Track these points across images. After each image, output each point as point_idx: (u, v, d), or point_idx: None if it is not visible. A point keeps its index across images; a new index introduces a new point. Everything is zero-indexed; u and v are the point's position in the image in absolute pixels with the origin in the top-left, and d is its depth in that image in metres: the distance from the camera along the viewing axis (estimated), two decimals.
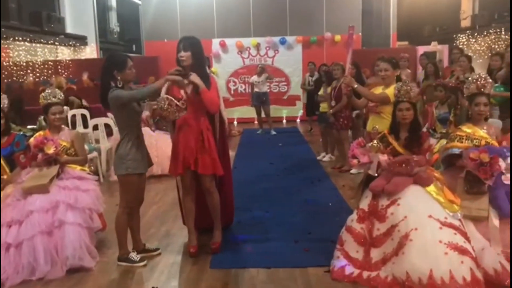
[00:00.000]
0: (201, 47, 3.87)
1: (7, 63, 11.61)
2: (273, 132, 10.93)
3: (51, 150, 3.95)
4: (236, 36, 13.31)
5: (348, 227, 3.67)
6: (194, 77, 3.70)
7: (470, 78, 3.87)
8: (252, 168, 7.46)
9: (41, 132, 4.28)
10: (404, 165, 3.55)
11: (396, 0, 13.96)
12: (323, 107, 7.60)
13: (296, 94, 13.35)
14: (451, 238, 3.24)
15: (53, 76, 12.12)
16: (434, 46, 12.64)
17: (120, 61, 3.69)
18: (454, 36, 14.33)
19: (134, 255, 3.88)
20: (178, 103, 3.60)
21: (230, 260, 3.89)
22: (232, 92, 13.55)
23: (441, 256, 3.16)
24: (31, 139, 4.17)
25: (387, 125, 3.97)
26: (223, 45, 13.33)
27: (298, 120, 13.47)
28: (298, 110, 13.48)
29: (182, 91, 3.79)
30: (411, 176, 3.54)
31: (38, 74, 12.01)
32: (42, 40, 10.68)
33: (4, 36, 9.12)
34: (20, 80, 11.96)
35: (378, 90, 4.72)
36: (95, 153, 6.74)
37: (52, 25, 10.90)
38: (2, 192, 3.97)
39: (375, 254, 3.47)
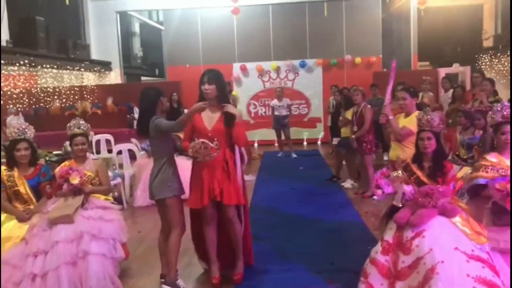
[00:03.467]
0: (224, 79, 4.01)
1: (35, 90, 11.95)
2: (294, 155, 10.92)
3: (76, 181, 4.02)
4: (256, 60, 13.45)
5: (372, 259, 3.61)
6: (231, 108, 3.82)
7: (494, 107, 3.82)
8: (273, 193, 7.43)
9: (66, 162, 4.36)
10: (428, 196, 3.49)
11: (416, 21, 13.92)
12: (344, 132, 7.58)
13: (317, 116, 13.38)
14: (479, 271, 3.16)
15: (79, 101, 12.43)
16: (456, 68, 12.54)
17: (160, 91, 3.98)
18: (476, 56, 14.19)
19: (181, 283, 3.94)
20: (212, 145, 3.68)
21: None
22: (252, 115, 13.63)
23: None
24: (57, 170, 4.25)
25: (410, 154, 3.94)
26: (243, 69, 13.47)
27: (319, 143, 13.43)
28: (319, 132, 13.47)
29: (205, 123, 3.85)
30: (435, 207, 3.48)
31: (64, 100, 12.32)
32: (68, 67, 11.00)
33: (33, 64, 9.40)
34: (47, 106, 12.28)
35: (400, 119, 4.71)
36: (119, 179, 6.83)
37: (78, 52, 11.21)
38: (28, 222, 4.04)
39: (400, 287, 3.40)
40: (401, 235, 3.53)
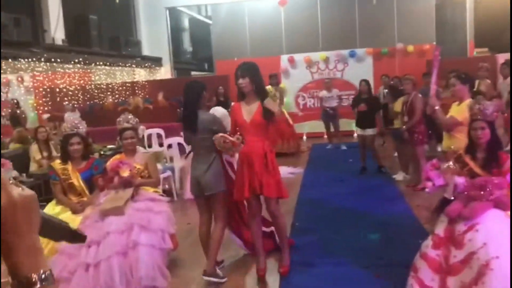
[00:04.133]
0: (259, 71, 3.92)
1: (90, 87, 12.44)
2: (344, 147, 10.74)
3: (126, 173, 4.14)
4: (304, 51, 13.31)
5: (423, 253, 3.49)
6: (270, 104, 3.78)
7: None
8: (321, 186, 7.35)
9: (117, 156, 4.50)
10: (481, 188, 3.33)
11: (472, 6, 13.29)
12: (396, 123, 7.35)
13: None
14: None
15: (131, 96, 12.81)
16: None
17: (203, 85, 4.07)
18: None
19: (220, 272, 4.02)
20: (233, 139, 3.70)
21: (299, 285, 3.84)
22: (301, 107, 13.52)
23: None
24: (108, 163, 4.40)
25: (461, 143, 3.77)
26: (291, 61, 13.37)
27: None
28: None
29: (244, 116, 3.87)
30: (489, 200, 3.32)
31: (117, 95, 12.73)
32: (120, 64, 11.35)
33: (87, 61, 9.76)
34: (101, 102, 12.75)
35: (453, 107, 4.53)
36: (169, 172, 6.97)
37: (130, 49, 11.54)
38: (82, 214, 4.21)
39: (452, 283, 3.26)
40: (453, 228, 3.39)
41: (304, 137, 13.06)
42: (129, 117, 4.48)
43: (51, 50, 8.94)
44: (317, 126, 12.44)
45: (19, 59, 8.19)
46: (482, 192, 3.33)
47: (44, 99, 12.86)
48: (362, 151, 8.05)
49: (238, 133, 3.88)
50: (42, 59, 8.81)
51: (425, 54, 12.84)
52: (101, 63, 10.37)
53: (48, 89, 12.60)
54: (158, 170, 4.61)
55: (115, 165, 4.18)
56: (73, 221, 4.18)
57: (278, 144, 10.35)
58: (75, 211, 4.27)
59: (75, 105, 11.52)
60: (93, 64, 10.18)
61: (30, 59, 8.22)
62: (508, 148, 5.34)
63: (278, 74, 11.14)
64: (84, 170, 4.42)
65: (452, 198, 3.50)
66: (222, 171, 3.99)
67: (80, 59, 9.45)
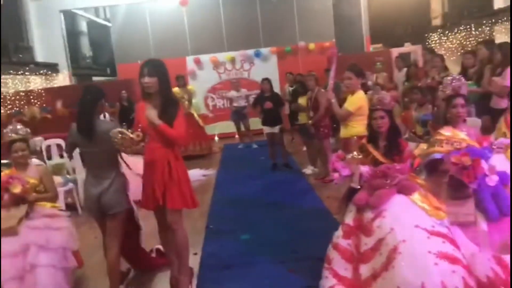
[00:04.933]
0: (167, 70, 3.61)
1: None
2: (255, 146, 10.81)
3: (17, 189, 3.75)
4: (210, 51, 13.22)
5: (334, 244, 3.53)
6: (149, 114, 3.46)
7: (444, 80, 3.80)
8: (234, 185, 7.31)
9: (6, 171, 4.07)
10: (384, 176, 3.44)
11: (366, 3, 14.02)
12: (302, 118, 7.50)
13: None
14: (440, 247, 3.12)
15: (26, 106, 11.87)
16: (408, 47, 12.71)
17: (102, 91, 3.73)
18: (426, 35, 14.44)
19: None
20: (132, 135, 3.43)
21: None
22: (210, 108, 13.42)
23: (431, 267, 3.03)
24: None
25: (354, 131, 3.92)
26: (197, 62, 13.22)
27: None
28: None
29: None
30: (392, 186, 3.43)
31: (9, 106, 11.72)
32: (11, 71, 10.44)
33: None
34: None
35: (348, 98, 4.77)
36: (71, 185, 6.51)
37: (21, 55, 10.68)
38: None
39: (364, 270, 3.33)
40: (361, 217, 3.46)
41: (216, 138, 12.99)
42: (18, 127, 4.06)
43: None
44: (228, 126, 12.43)
45: None
46: (385, 180, 3.44)
47: None
48: (271, 149, 8.13)
49: (140, 129, 3.54)
50: None
51: (326, 51, 13.32)
52: None
53: None
54: (54, 183, 4.23)
55: (5, 181, 3.77)
56: None
57: (189, 147, 10.19)
58: None
59: None
60: None
61: None
62: (406, 136, 5.66)
63: (184, 76, 10.91)
64: None
65: (359, 187, 3.59)
66: (125, 187, 3.70)
67: None
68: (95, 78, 17.15)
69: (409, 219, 3.26)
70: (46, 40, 13.20)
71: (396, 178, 3.46)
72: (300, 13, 13.51)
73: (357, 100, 4.72)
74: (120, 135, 3.41)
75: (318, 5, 13.52)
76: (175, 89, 10.56)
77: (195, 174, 8.14)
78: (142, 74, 3.50)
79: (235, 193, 6.78)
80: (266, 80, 8.26)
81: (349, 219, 3.53)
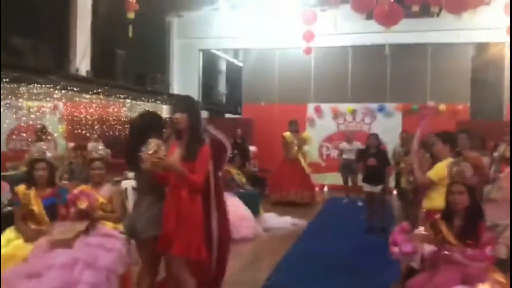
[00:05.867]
0: (198, 108, 3.57)
1: (116, 118, 12.62)
2: (360, 203, 10.22)
3: (83, 205, 3.95)
4: (332, 101, 13.07)
5: None
6: (171, 161, 3.34)
7: None
8: (320, 241, 6.87)
9: (83, 186, 4.34)
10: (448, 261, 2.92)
11: (509, 68, 12.70)
12: (402, 181, 6.91)
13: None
14: None
15: None
16: None
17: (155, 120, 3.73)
18: None
19: None
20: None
21: None
22: (324, 157, 13.16)
23: None
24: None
25: (436, 203, 3.41)
26: (318, 110, 13.16)
27: (394, 192, 12.51)
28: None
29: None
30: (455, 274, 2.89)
31: None
32: (143, 98, 11.46)
33: (107, 94, 9.94)
34: (125, 134, 12.90)
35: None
36: None
37: (156, 86, 11.68)
38: (35, 243, 4.02)
39: None
40: None
41: (326, 189, 12.63)
42: (100, 147, 4.35)
43: (73, 80, 9.13)
44: (339, 178, 11.97)
45: (40, 85, 8.38)
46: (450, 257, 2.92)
47: (70, 128, 13.14)
48: (370, 209, 7.59)
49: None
50: (69, 87, 9.00)
51: (457, 114, 12.32)
52: (122, 96, 10.49)
53: (76, 119, 12.82)
54: (124, 206, 4.39)
55: (74, 196, 4.02)
56: (24, 249, 4.01)
57: (291, 193, 10.01)
58: (27, 239, 4.09)
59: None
60: (112, 97, 10.30)
61: (50, 86, 8.39)
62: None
63: (297, 121, 10.89)
64: (47, 198, 4.27)
65: (419, 268, 3.09)
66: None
67: (100, 90, 9.59)
68: (227, 115, 17.98)
69: None
70: (184, 76, 14.29)
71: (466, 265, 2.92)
72: (434, 72, 12.71)
73: (442, 169, 4.16)
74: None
75: (456, 65, 12.61)
76: (286, 134, 10.58)
77: (284, 222, 7.94)
78: (174, 111, 3.48)
79: (317, 249, 6.36)
80: (374, 136, 7.84)
81: None
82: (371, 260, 5.94)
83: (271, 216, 8.13)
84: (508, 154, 8.00)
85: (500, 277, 3.01)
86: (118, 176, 8.45)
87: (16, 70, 7.19)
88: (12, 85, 7.97)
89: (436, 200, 4.05)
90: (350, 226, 7.93)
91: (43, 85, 8.22)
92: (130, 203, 6.62)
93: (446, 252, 2.96)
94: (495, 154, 8.03)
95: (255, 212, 7.51)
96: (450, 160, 3.83)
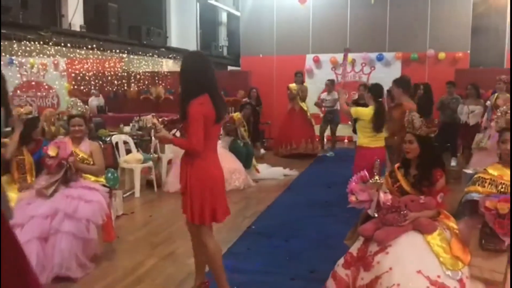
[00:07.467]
0: (190, 62, 3.28)
1: (116, 73, 12.71)
2: (331, 153, 10.45)
3: (53, 153, 4.09)
4: (331, 51, 12.90)
5: (333, 272, 3.24)
6: (160, 135, 3.24)
7: (499, 110, 3.20)
8: (309, 190, 7.05)
9: (60, 137, 4.51)
10: (396, 212, 3.04)
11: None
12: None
13: None
14: None
15: (152, 86, 13.01)
16: None
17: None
18: None
19: None
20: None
21: None
22: (323, 108, 13.15)
23: None
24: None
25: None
26: (316, 61, 13.04)
27: None
28: None
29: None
30: (403, 225, 3.02)
31: (140, 84, 12.93)
32: (140, 53, 11.46)
33: (102, 48, 9.94)
34: (124, 89, 13.03)
35: None
36: (150, 163, 6.91)
37: (152, 39, 11.62)
38: (20, 194, 4.23)
39: None
40: (366, 248, 3.11)
41: (325, 140, 12.72)
42: (78, 104, 4.45)
43: (67, 35, 9.15)
44: (342, 128, 11.93)
45: (34, 41, 8.43)
46: (397, 217, 3.03)
47: (74, 84, 13.30)
48: None
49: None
50: (62, 43, 9.03)
51: (457, 62, 12.15)
52: (117, 50, 10.48)
53: (81, 75, 12.87)
54: (103, 160, 4.54)
55: (45, 147, 4.18)
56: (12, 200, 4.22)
57: (301, 145, 10.07)
58: (21, 188, 4.34)
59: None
60: (108, 52, 10.30)
61: (42, 42, 8.43)
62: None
63: (303, 72, 10.88)
64: (34, 152, 4.47)
65: (375, 215, 3.22)
66: None
67: (94, 46, 9.60)
68: (230, 68, 17.80)
69: (413, 262, 2.85)
70: (181, 28, 14.16)
71: (406, 221, 3.04)
72: (434, 20, 12.41)
73: (364, 110, 5.46)
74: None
75: (456, 13, 12.28)
76: (292, 85, 10.48)
77: (276, 172, 8.09)
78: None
79: (301, 198, 6.53)
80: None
81: (354, 248, 3.20)
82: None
83: (263, 167, 8.28)
84: (499, 102, 7.99)
85: (451, 222, 3.15)
86: (115, 130, 8.65)
87: (4, 27, 7.22)
88: (4, 43, 8.04)
89: (360, 138, 5.71)
90: (340, 176, 8.05)
91: (35, 42, 8.27)
92: (120, 157, 6.86)
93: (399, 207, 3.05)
94: (488, 102, 8.04)
95: (247, 167, 7.66)
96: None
